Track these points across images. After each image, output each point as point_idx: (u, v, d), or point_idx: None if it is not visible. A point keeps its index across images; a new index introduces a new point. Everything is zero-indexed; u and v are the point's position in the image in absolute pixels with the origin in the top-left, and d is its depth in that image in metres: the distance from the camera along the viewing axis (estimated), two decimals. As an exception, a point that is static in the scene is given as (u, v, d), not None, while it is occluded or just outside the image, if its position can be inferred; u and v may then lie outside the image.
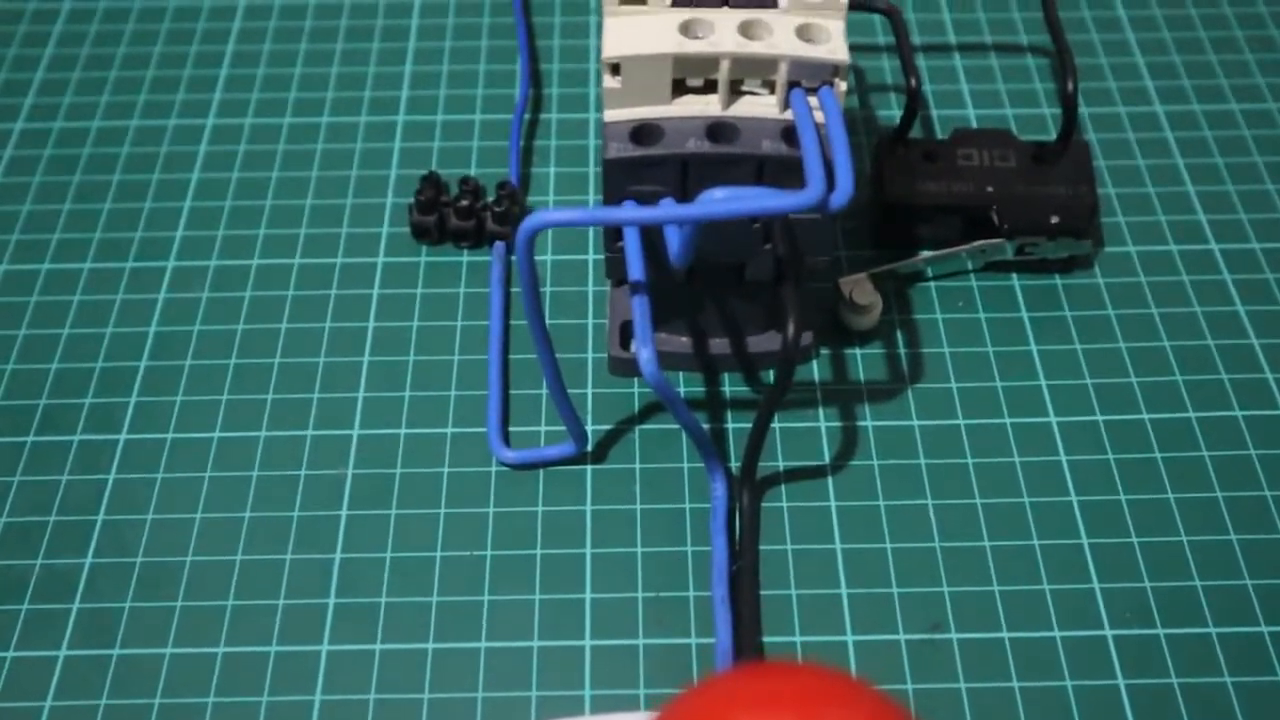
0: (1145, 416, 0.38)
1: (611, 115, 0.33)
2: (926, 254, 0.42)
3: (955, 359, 0.40)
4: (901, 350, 0.40)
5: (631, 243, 0.33)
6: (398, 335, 0.41)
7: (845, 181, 0.31)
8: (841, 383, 0.39)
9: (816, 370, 0.40)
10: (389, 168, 0.45)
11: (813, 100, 0.33)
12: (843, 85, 0.33)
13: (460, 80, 0.48)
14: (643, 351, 0.32)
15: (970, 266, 0.42)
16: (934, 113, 0.47)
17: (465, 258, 0.43)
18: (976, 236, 0.42)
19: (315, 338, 0.41)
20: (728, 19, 0.33)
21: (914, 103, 0.41)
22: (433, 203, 0.42)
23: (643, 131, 0.33)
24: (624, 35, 0.33)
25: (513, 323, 0.41)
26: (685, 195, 0.34)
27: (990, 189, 0.41)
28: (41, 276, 0.42)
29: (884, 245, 0.43)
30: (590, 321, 0.41)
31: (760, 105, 0.33)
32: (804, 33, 0.33)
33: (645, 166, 0.33)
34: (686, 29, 0.33)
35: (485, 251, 0.43)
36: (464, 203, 0.42)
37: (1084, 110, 0.47)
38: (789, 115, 0.33)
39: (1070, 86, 0.41)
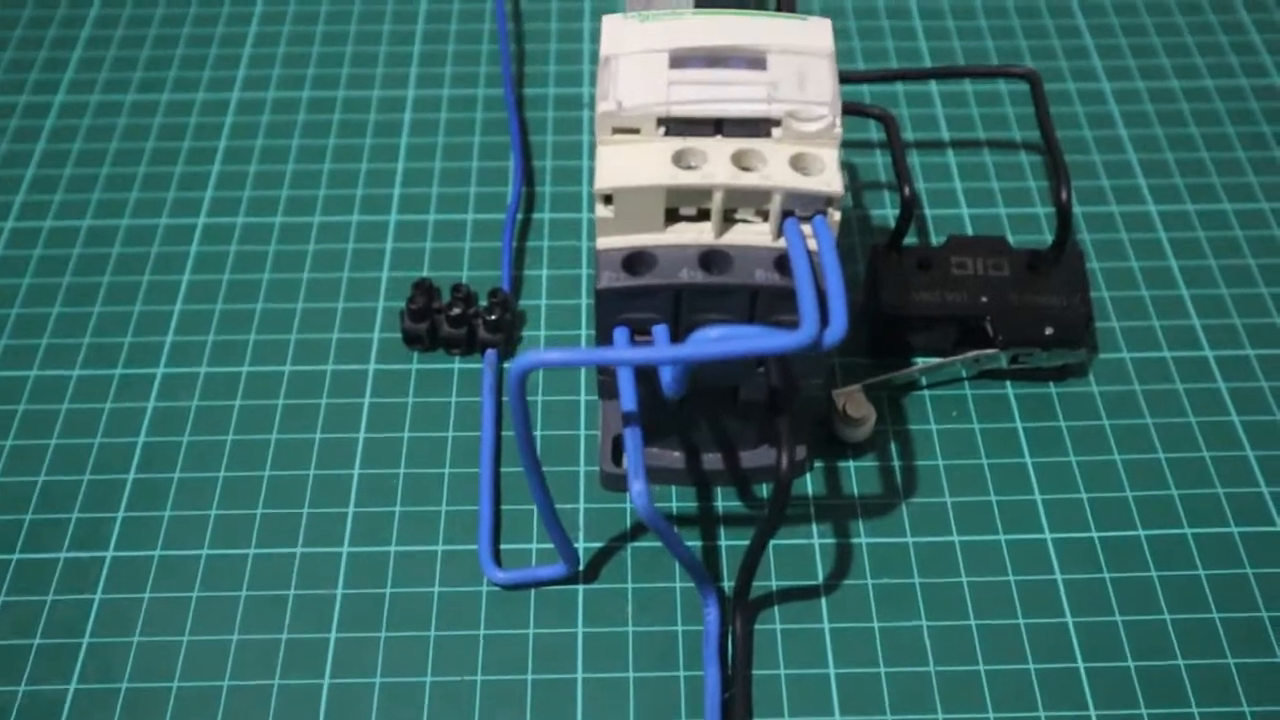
0: (1141, 533, 0.38)
1: (604, 243, 0.33)
2: (920, 364, 0.42)
3: (949, 472, 0.40)
4: (895, 463, 0.40)
5: (624, 373, 0.33)
6: (389, 447, 0.40)
7: (839, 319, 0.31)
8: (835, 497, 0.39)
9: (810, 485, 0.40)
10: (380, 269, 0.45)
11: (806, 229, 0.33)
12: (836, 215, 0.33)
13: (453, 178, 0.48)
14: (635, 485, 0.31)
15: (964, 374, 0.42)
16: (928, 211, 0.47)
17: (457, 365, 0.43)
18: (971, 345, 0.42)
19: (305, 449, 0.40)
20: (721, 148, 0.33)
21: (908, 212, 0.41)
22: (424, 310, 0.42)
23: (635, 259, 0.33)
24: (617, 164, 0.33)
25: (504, 433, 0.41)
26: (678, 323, 0.34)
27: (984, 299, 0.41)
28: (30, 381, 0.42)
29: (877, 353, 0.43)
30: (582, 432, 0.41)
31: (754, 233, 0.33)
32: (798, 162, 0.33)
33: (638, 295, 0.33)
34: (679, 158, 0.33)
35: (477, 359, 0.43)
36: (456, 310, 0.42)
37: (1078, 209, 0.48)
38: (782, 244, 0.33)
39: (1064, 196, 0.41)
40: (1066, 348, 0.41)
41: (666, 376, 0.32)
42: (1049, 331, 0.41)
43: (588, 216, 0.47)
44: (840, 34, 0.54)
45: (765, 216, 0.33)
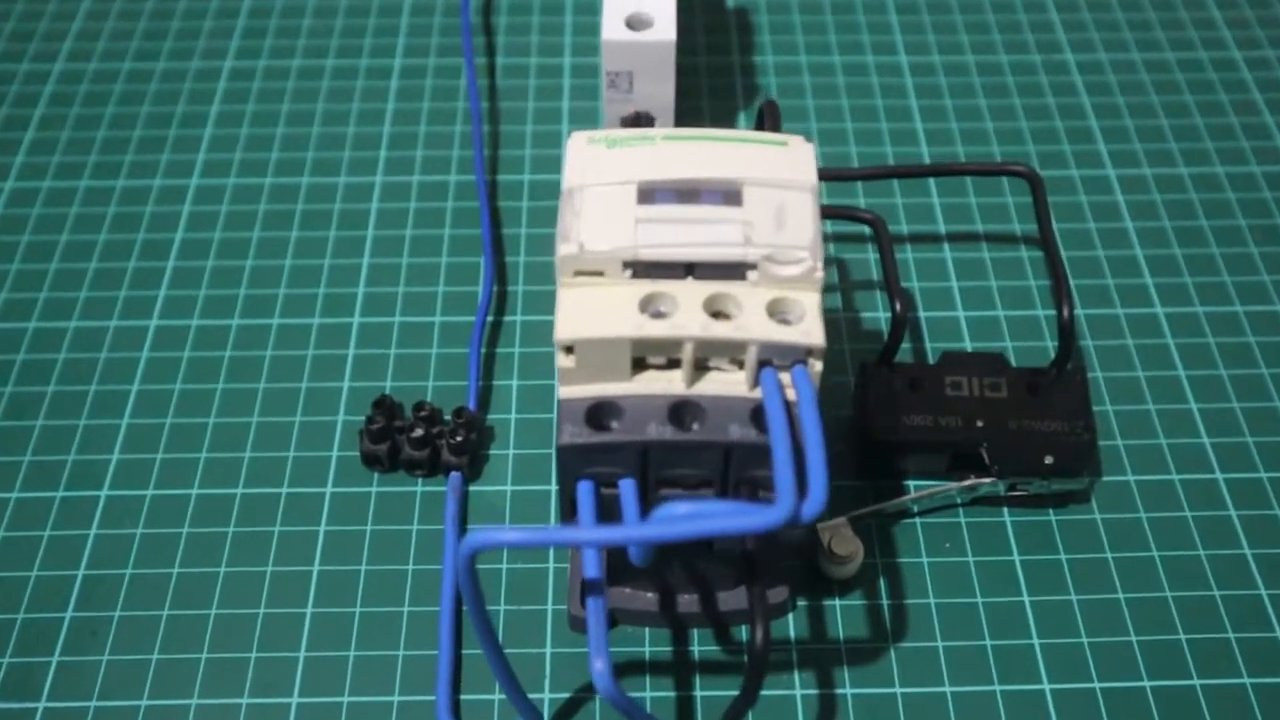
0: (1146, 684, 0.36)
1: (566, 392, 0.31)
2: (912, 493, 0.39)
3: (941, 612, 0.37)
4: (884, 601, 0.38)
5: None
6: (345, 581, 0.38)
7: (818, 488, 0.28)
8: (819, 641, 0.37)
9: (793, 627, 0.37)
10: (341, 379, 0.43)
11: (785, 377, 0.31)
12: (818, 365, 0.31)
13: (421, 276, 0.46)
14: (596, 663, 0.29)
15: (959, 500, 0.40)
16: (921, 314, 0.45)
17: (420, 487, 0.40)
18: (965, 468, 0.39)
19: (255, 584, 0.38)
20: (692, 293, 0.31)
21: (899, 329, 0.39)
22: (385, 430, 0.40)
23: (600, 410, 0.31)
24: (579, 311, 0.30)
25: (468, 566, 0.39)
26: (646, 478, 0.32)
27: (980, 424, 0.39)
28: None
29: (866, 474, 0.40)
30: (551, 565, 0.39)
31: (728, 382, 0.31)
32: (776, 307, 0.31)
33: (602, 451, 0.31)
34: (647, 303, 0.31)
35: (441, 480, 0.40)
36: (418, 431, 0.40)
37: (1081, 312, 0.45)
38: (759, 394, 0.31)
39: (1066, 314, 0.39)
40: (1067, 477, 0.38)
41: (633, 547, 0.30)
42: (1049, 461, 0.38)
43: (562, 319, 0.45)
44: (832, 112, 0.52)
45: (741, 364, 0.31)
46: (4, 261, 0.47)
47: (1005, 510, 0.40)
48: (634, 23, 0.44)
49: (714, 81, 0.53)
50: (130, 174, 0.50)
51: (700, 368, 0.31)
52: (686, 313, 0.30)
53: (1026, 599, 0.38)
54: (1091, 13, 0.57)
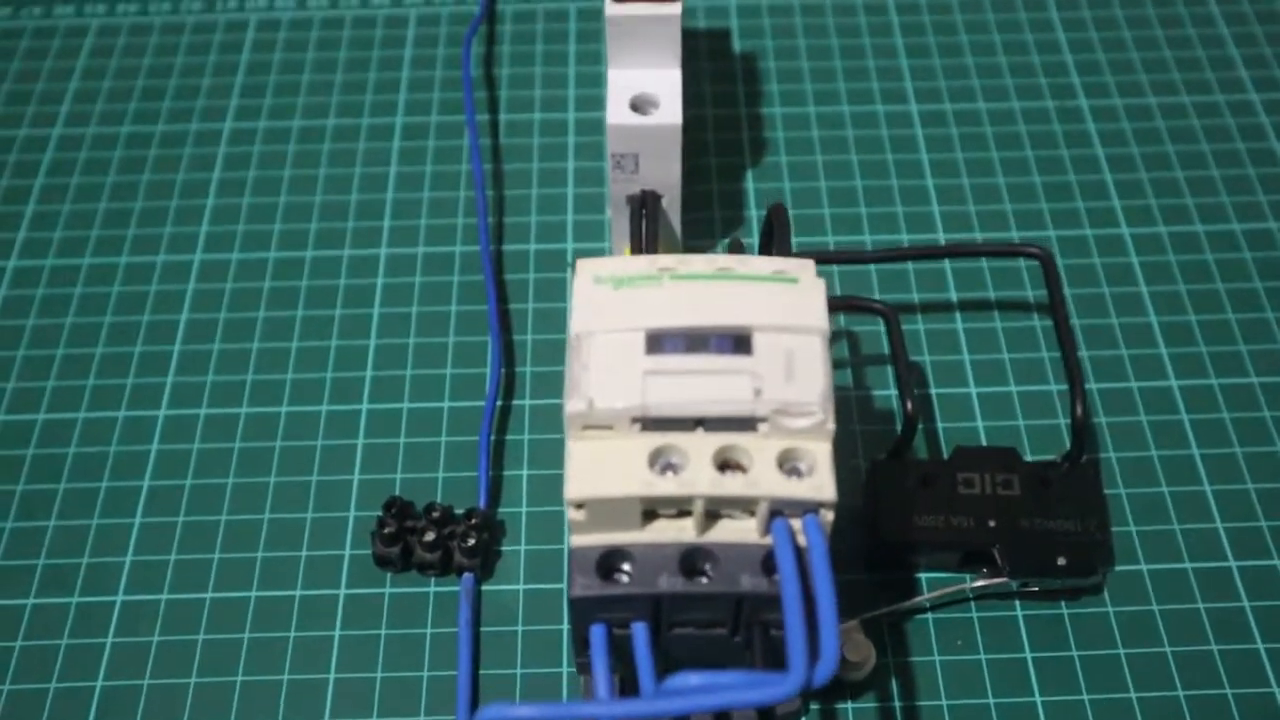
0: (1159, 789, 0.37)
1: (578, 541, 0.31)
2: (924, 593, 0.40)
3: (954, 714, 0.38)
4: (896, 703, 0.38)
5: (600, 686, 0.31)
6: (361, 690, 0.39)
7: (830, 649, 0.29)
8: (833, 747, 0.38)
9: (806, 733, 0.38)
10: (352, 471, 0.43)
11: (796, 522, 0.31)
12: (829, 515, 0.31)
13: (427, 357, 0.46)
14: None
15: (970, 596, 0.40)
16: (932, 390, 0.45)
17: (433, 588, 0.41)
18: (977, 563, 0.40)
19: (271, 694, 0.39)
20: (702, 446, 0.31)
21: (910, 428, 0.39)
22: (397, 534, 0.40)
23: (611, 559, 0.31)
24: (589, 467, 0.30)
25: (481, 672, 0.39)
26: (658, 624, 0.32)
27: (992, 523, 0.39)
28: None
29: (875, 569, 0.41)
30: (565, 668, 0.39)
31: (739, 530, 0.31)
32: (787, 458, 0.31)
33: (614, 602, 0.31)
34: (657, 457, 0.31)
35: (453, 579, 0.41)
36: (430, 536, 0.40)
37: (1093, 386, 0.45)
38: (770, 539, 0.31)
39: (1079, 410, 0.39)
40: (1080, 577, 0.39)
41: (645, 681, 0.31)
42: (1061, 561, 0.38)
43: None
44: (842, 169, 0.52)
45: (752, 513, 0.31)
46: (9, 348, 0.47)
47: (1017, 603, 0.40)
48: (639, 104, 0.44)
49: (720, 136, 0.53)
50: (133, 249, 0.50)
51: (712, 515, 0.31)
52: (697, 468, 0.30)
53: (1038, 699, 0.38)
54: (1106, 52, 0.56)
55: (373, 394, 0.45)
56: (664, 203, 0.45)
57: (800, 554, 0.31)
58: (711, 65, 0.56)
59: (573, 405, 0.31)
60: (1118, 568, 0.41)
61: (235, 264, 0.49)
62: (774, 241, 0.38)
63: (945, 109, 0.54)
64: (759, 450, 0.31)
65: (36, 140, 0.54)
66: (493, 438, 0.44)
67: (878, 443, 0.44)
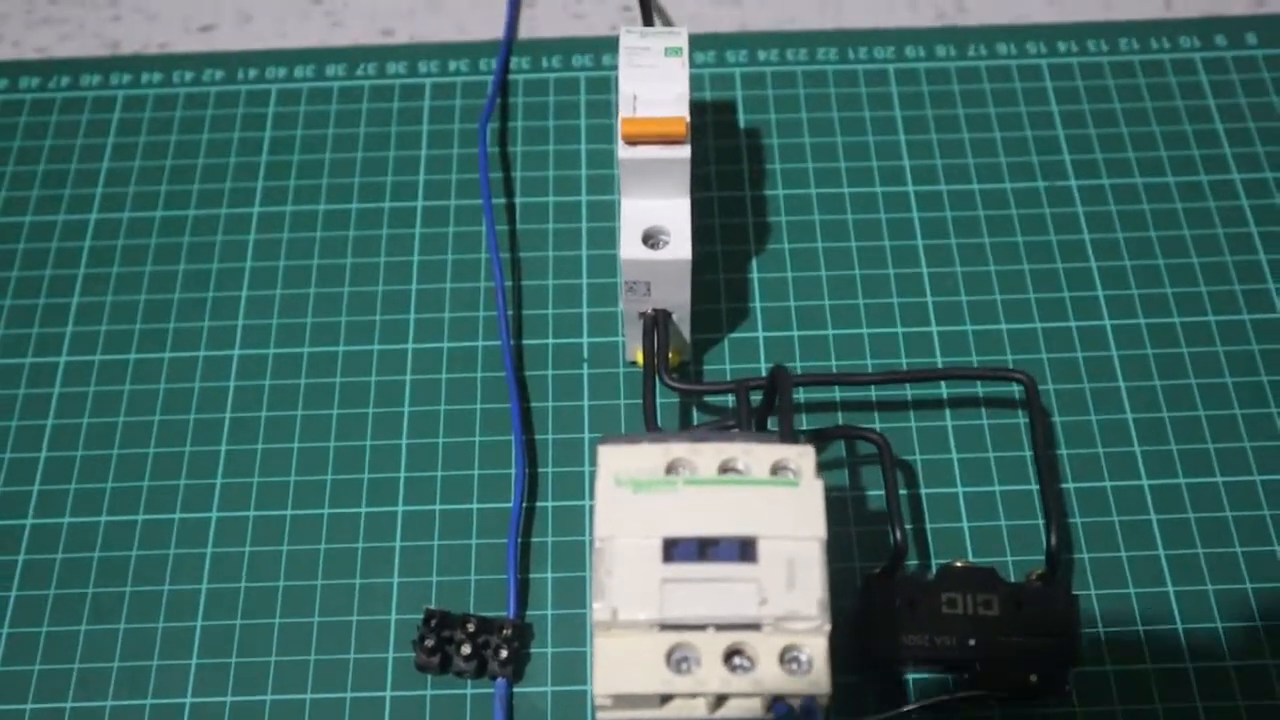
0: None
1: (603, 717, 0.36)
2: (911, 702, 0.45)
3: (936, 812, 0.43)
4: (885, 802, 0.44)
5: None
6: (409, 791, 0.44)
7: (823, 829, 0.34)
8: (827, 845, 0.43)
9: (804, 833, 0.43)
10: (391, 574, 0.48)
11: (795, 701, 0.36)
12: (824, 700, 0.35)
13: (456, 457, 0.50)
14: None
15: (949, 701, 0.45)
16: (923, 490, 0.49)
17: (469, 690, 0.46)
18: (959, 671, 0.45)
19: (330, 796, 0.44)
20: (713, 645, 0.35)
21: (899, 557, 0.44)
22: (437, 645, 0.45)
23: (633, 730, 0.36)
24: (614, 664, 0.35)
25: (517, 778, 0.45)
26: (675, 786, 0.37)
27: (972, 643, 0.44)
28: None
29: (864, 668, 0.46)
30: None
31: (746, 708, 0.36)
32: (787, 653, 0.35)
33: (636, 770, 0.36)
34: (673, 652, 0.35)
35: (488, 682, 0.46)
36: (467, 649, 0.45)
37: (1069, 485, 0.49)
38: (772, 716, 0.36)
39: (1053, 541, 0.44)
40: (1049, 694, 0.44)
41: None
42: (1033, 679, 0.43)
43: (588, 503, 0.49)
44: (842, 256, 0.55)
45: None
46: (69, 448, 0.51)
47: (995, 707, 0.45)
48: (651, 236, 0.47)
49: (726, 221, 0.56)
50: (175, 345, 0.54)
51: (721, 696, 0.36)
52: (708, 665, 0.35)
53: (1011, 797, 0.44)
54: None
55: (407, 496, 0.50)
56: (675, 317, 0.49)
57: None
58: (717, 144, 0.59)
59: (600, 614, 0.35)
60: (1087, 668, 0.46)
61: (272, 359, 0.53)
62: (778, 409, 0.42)
63: (940, 190, 0.57)
64: (763, 646, 0.35)
65: (75, 227, 0.57)
66: (520, 540, 0.49)
67: (872, 544, 0.48)
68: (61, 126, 0.60)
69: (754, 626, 0.36)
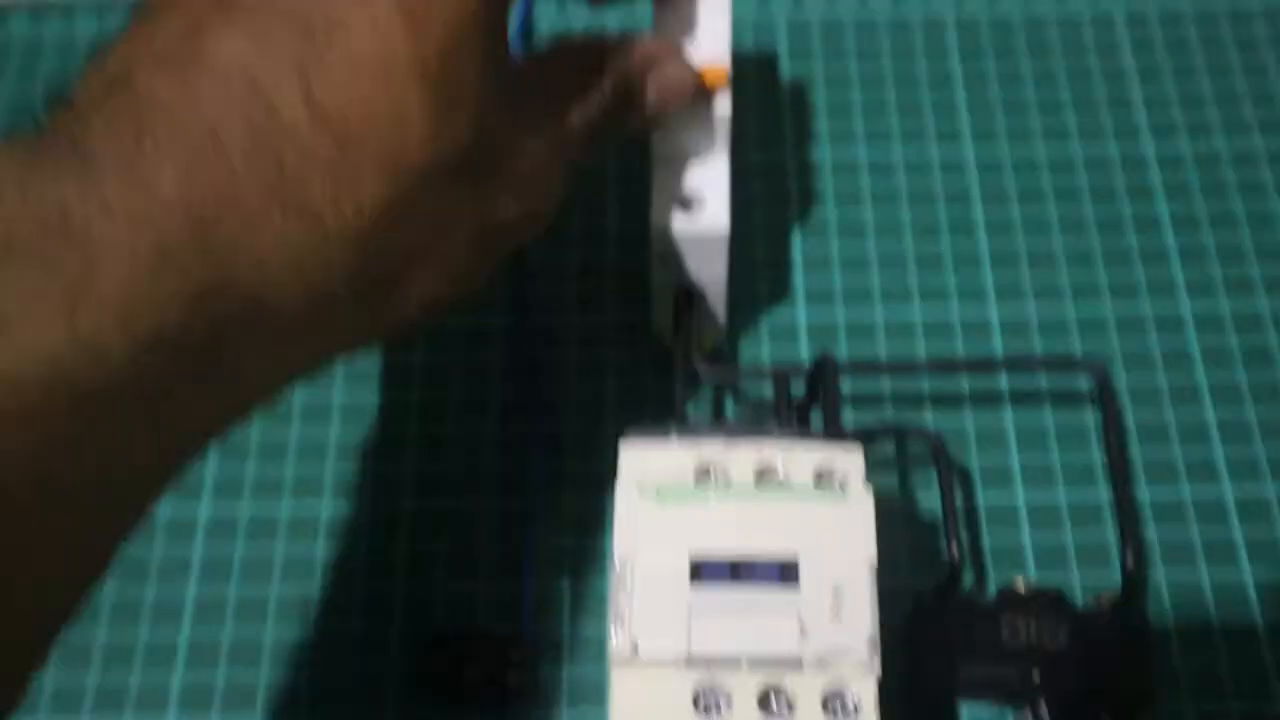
0: None
1: (618, 760, 0.32)
2: (964, 736, 0.41)
3: None
4: None
5: None
6: None
7: None
8: None
9: None
10: (393, 583, 0.44)
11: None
12: (865, 746, 0.31)
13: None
14: None
15: (1009, 733, 0.41)
16: (980, 502, 0.45)
17: (478, 721, 0.42)
18: (1017, 702, 0.40)
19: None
20: (746, 685, 0.31)
21: (955, 578, 0.39)
22: (444, 668, 0.41)
23: (653, 778, 0.32)
24: (634, 706, 0.31)
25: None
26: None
27: (1036, 677, 0.39)
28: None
29: (914, 702, 0.41)
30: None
31: (780, 757, 0.32)
32: (831, 699, 0.31)
33: (655, 827, 0.32)
34: (700, 694, 0.31)
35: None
36: (477, 673, 0.41)
37: (1145, 495, 0.45)
38: (811, 766, 0.32)
39: (1130, 562, 0.39)
40: (1122, 731, 0.39)
41: None
42: None
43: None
44: (892, 226, 0.50)
45: (793, 740, 0.32)
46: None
47: (1056, 744, 0.41)
48: (684, 203, 0.42)
49: (766, 186, 0.51)
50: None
51: (752, 742, 0.32)
52: (740, 709, 0.31)
53: None
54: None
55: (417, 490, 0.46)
56: (709, 296, 0.44)
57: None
58: (758, 101, 0.53)
59: (618, 646, 0.31)
60: (1167, 703, 0.41)
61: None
62: (822, 403, 0.37)
63: (1003, 150, 0.52)
64: (803, 690, 0.31)
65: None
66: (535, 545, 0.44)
67: (921, 558, 0.43)
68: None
69: (794, 664, 0.31)
